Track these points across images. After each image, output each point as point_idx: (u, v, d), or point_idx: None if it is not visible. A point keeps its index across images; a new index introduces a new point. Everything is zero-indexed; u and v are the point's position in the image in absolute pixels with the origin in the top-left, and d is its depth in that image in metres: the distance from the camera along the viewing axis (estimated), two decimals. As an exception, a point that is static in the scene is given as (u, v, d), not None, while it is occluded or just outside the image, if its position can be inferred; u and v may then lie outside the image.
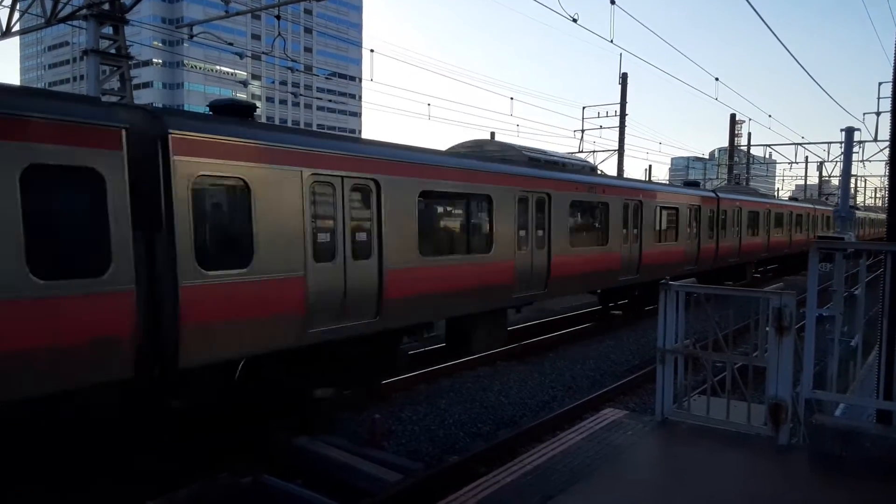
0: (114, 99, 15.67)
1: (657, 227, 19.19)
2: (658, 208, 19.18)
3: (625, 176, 31.86)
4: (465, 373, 13.06)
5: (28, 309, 6.27)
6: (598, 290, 18.66)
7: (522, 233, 13.43)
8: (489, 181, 12.43)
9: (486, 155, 13.85)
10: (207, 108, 9.41)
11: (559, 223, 14.50)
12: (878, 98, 31.18)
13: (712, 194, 23.77)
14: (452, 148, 15.04)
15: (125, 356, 7.06)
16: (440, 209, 11.99)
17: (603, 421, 6.48)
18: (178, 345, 7.47)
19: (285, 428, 9.15)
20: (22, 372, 6.24)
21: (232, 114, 9.00)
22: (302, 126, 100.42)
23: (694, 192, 22.56)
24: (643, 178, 42.46)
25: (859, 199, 78.42)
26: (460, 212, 12.28)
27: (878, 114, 31.98)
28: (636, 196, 17.88)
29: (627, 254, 17.41)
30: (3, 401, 6.19)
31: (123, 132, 6.99)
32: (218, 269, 7.85)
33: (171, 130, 7.43)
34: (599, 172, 19.74)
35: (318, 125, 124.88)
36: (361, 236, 9.78)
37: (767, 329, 5.76)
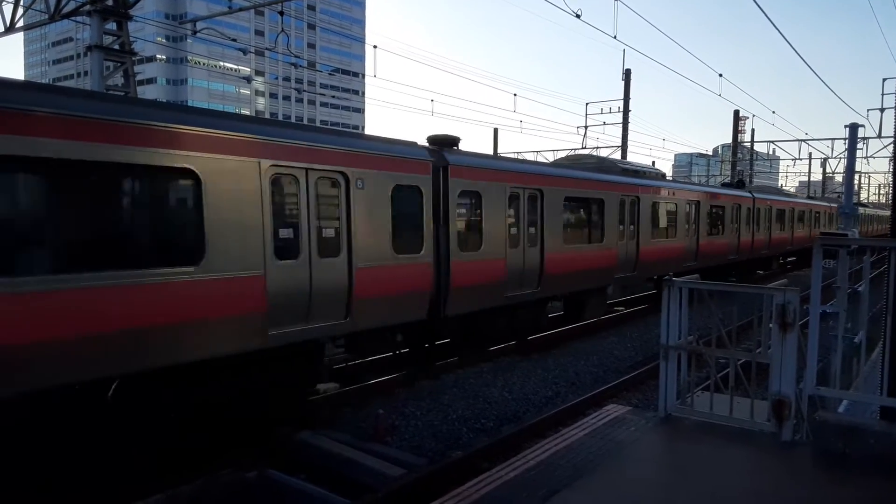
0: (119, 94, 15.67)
1: (709, 223, 22.53)
2: (710, 207, 22.63)
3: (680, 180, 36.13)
4: (468, 368, 13.08)
5: (392, 270, 10.50)
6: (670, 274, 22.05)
7: (621, 227, 17.21)
8: (598, 187, 16.34)
9: (585, 165, 17.97)
10: (427, 141, 12.57)
11: (644, 220, 18.24)
12: (883, 94, 31.21)
13: (749, 194, 26.80)
14: (559, 160, 21.83)
15: (424, 304, 11.32)
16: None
17: (606, 417, 6.49)
18: (447, 300, 11.68)
19: (289, 423, 9.18)
20: (389, 308, 10.52)
21: (449, 144, 12.55)
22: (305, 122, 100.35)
23: (735, 193, 25.65)
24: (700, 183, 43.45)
25: (863, 195, 78.14)
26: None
27: (882, 110, 31.94)
28: (696, 198, 21.58)
29: (688, 243, 21.09)
30: (379, 325, 10.54)
31: (430, 164, 11.30)
32: (466, 252, 12.07)
33: (450, 163, 11.73)
34: (670, 178, 24.66)
35: (321, 121, 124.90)
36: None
37: (771, 325, 5.76)
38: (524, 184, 13.52)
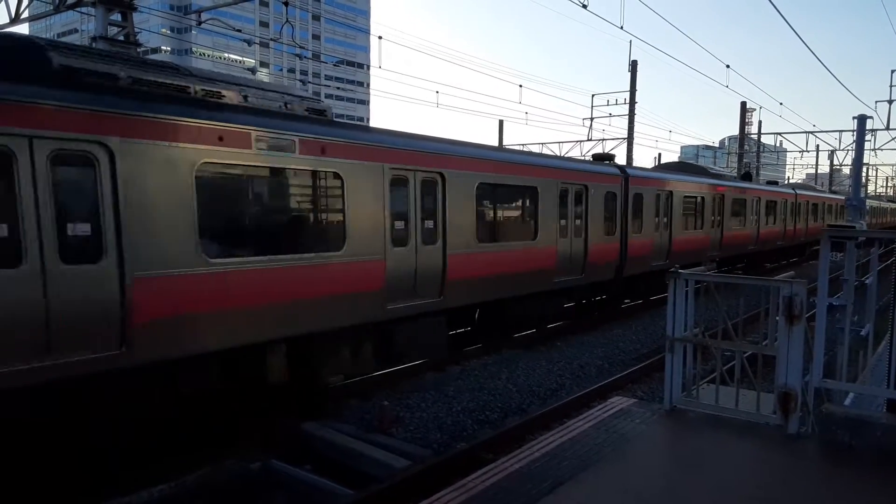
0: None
1: (767, 215, 27.88)
2: (766, 202, 27.86)
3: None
4: (472, 360, 13.09)
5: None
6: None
7: (712, 218, 22.24)
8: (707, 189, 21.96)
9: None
10: (591, 157, 17.31)
11: (727, 213, 23.24)
12: (891, 86, 30.98)
13: (792, 190, 32.87)
14: (662, 164, 29.06)
15: (615, 269, 16.90)
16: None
17: (611, 409, 6.47)
18: (624, 266, 17.11)
19: (294, 413, 9.21)
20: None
21: (607, 159, 18.42)
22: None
23: (782, 190, 31.60)
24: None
25: (870, 188, 77.72)
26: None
27: (890, 102, 31.72)
28: (758, 195, 26.83)
29: (755, 232, 26.48)
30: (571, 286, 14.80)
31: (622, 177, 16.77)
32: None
33: (630, 174, 17.28)
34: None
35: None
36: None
37: (777, 318, 5.73)
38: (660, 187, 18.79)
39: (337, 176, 9.41)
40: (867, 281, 6.66)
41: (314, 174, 9.22)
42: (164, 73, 8.10)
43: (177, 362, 7.66)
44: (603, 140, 36.92)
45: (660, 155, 56.94)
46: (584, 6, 17.24)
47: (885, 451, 5.11)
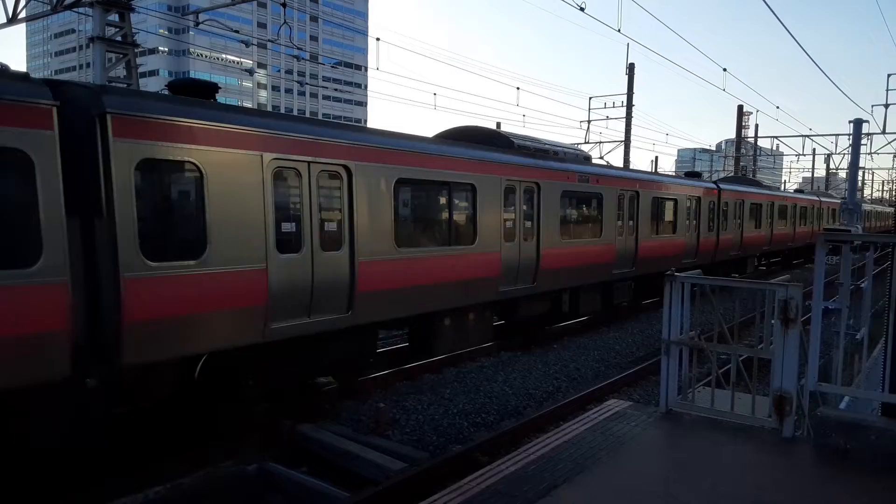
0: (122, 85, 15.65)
1: (800, 218, 33.54)
2: (800, 208, 33.30)
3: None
4: (469, 363, 13.09)
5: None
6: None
7: (768, 220, 28.23)
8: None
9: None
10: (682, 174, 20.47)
11: (776, 216, 28.95)
12: (887, 90, 31.09)
13: (817, 198, 38.16)
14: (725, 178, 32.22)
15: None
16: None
17: (607, 412, 6.49)
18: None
19: (290, 415, 9.19)
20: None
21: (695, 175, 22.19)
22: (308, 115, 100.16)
23: (808, 197, 36.92)
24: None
25: (866, 191, 77.93)
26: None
27: (886, 106, 31.83)
28: (795, 202, 32.92)
29: (792, 231, 31.98)
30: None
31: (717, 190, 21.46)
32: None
33: (722, 189, 23.35)
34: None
35: (324, 114, 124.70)
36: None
37: (773, 321, 5.75)
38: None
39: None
40: (862, 284, 6.68)
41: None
42: (543, 144, 15.15)
43: (378, 323, 10.65)
44: (600, 143, 36.96)
45: (657, 158, 56.95)
46: (582, 9, 17.29)
47: (879, 454, 5.12)
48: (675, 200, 19.79)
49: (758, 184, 31.75)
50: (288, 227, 8.70)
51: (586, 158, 16.99)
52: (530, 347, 14.59)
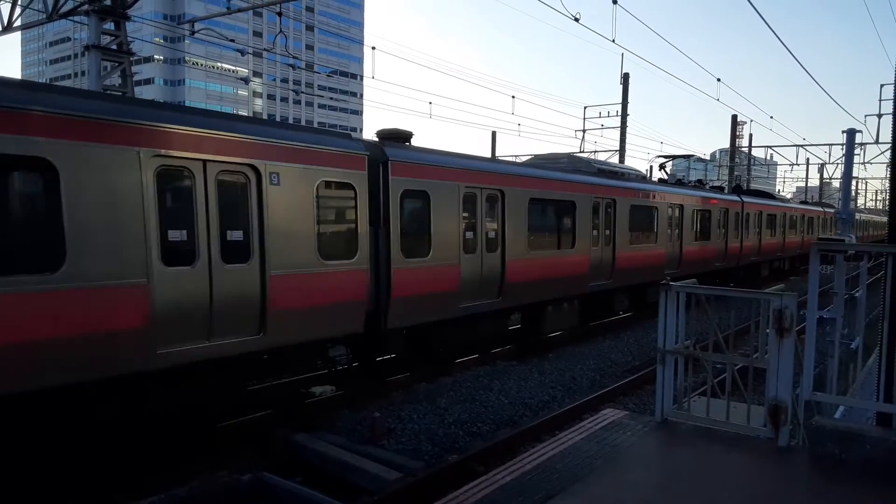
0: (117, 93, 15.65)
1: (804, 227, 35.97)
2: (804, 217, 36.23)
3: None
4: (464, 372, 13.07)
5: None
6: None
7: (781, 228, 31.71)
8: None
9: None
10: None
11: (784, 227, 32.08)
12: (880, 100, 31.22)
13: (820, 209, 40.80)
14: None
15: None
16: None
17: (603, 421, 6.48)
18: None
19: (285, 425, 9.16)
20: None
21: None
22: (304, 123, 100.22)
23: (811, 207, 39.60)
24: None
25: (860, 201, 78.33)
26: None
27: (879, 116, 31.98)
28: (812, 214, 37.88)
29: (800, 240, 34.62)
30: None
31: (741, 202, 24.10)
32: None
33: (745, 201, 25.71)
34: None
35: (319, 123, 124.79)
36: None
37: (768, 331, 5.76)
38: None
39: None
40: (857, 294, 6.71)
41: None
42: (609, 166, 19.01)
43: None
44: (595, 152, 37.11)
45: (651, 167, 57.11)
46: (577, 19, 17.37)
47: (874, 463, 5.13)
48: (711, 212, 23.31)
49: (772, 196, 35.87)
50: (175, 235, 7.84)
51: (643, 178, 20.49)
52: (526, 356, 14.58)
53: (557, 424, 9.71)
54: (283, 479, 7.47)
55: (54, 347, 6.56)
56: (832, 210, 43.82)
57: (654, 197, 19.14)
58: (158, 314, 7.34)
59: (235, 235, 8.30)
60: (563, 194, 15.02)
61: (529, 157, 20.22)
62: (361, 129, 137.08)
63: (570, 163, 17.75)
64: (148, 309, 7.25)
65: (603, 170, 18.05)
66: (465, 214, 12.22)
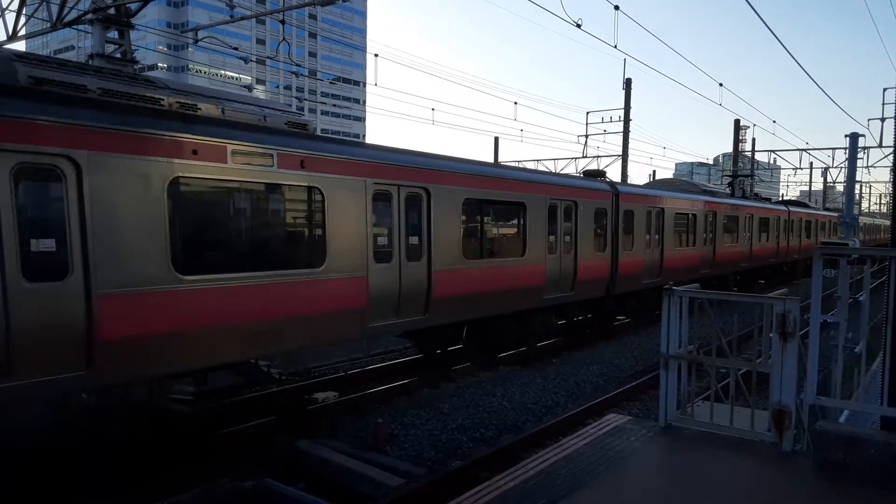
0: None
1: (817, 232, 38.93)
2: (818, 222, 39.21)
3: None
4: (467, 378, 13.05)
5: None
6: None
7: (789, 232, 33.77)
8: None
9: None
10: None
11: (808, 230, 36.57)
12: (883, 104, 31.20)
13: (834, 214, 41.58)
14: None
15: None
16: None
17: (606, 426, 6.46)
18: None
19: (287, 431, 9.15)
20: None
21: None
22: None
23: (825, 213, 42.18)
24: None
25: (864, 205, 78.21)
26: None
27: (882, 120, 31.97)
28: (826, 220, 40.63)
29: (815, 242, 35.27)
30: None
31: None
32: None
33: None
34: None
35: (322, 130, 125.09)
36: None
37: (771, 335, 5.74)
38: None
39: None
40: (860, 298, 6.68)
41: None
42: (709, 187, 24.73)
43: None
44: (598, 157, 37.10)
45: (654, 172, 57.17)
46: (578, 25, 17.38)
47: (879, 468, 5.10)
48: (769, 219, 29.51)
49: (805, 204, 41.34)
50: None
51: (706, 191, 24.61)
52: (529, 362, 14.56)
53: (561, 430, 9.68)
54: (286, 486, 7.46)
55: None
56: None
57: (738, 209, 25.70)
58: (372, 298, 10.18)
59: (413, 240, 11.14)
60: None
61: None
62: (364, 136, 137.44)
63: (682, 184, 24.51)
64: (366, 294, 10.04)
65: (707, 190, 24.49)
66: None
